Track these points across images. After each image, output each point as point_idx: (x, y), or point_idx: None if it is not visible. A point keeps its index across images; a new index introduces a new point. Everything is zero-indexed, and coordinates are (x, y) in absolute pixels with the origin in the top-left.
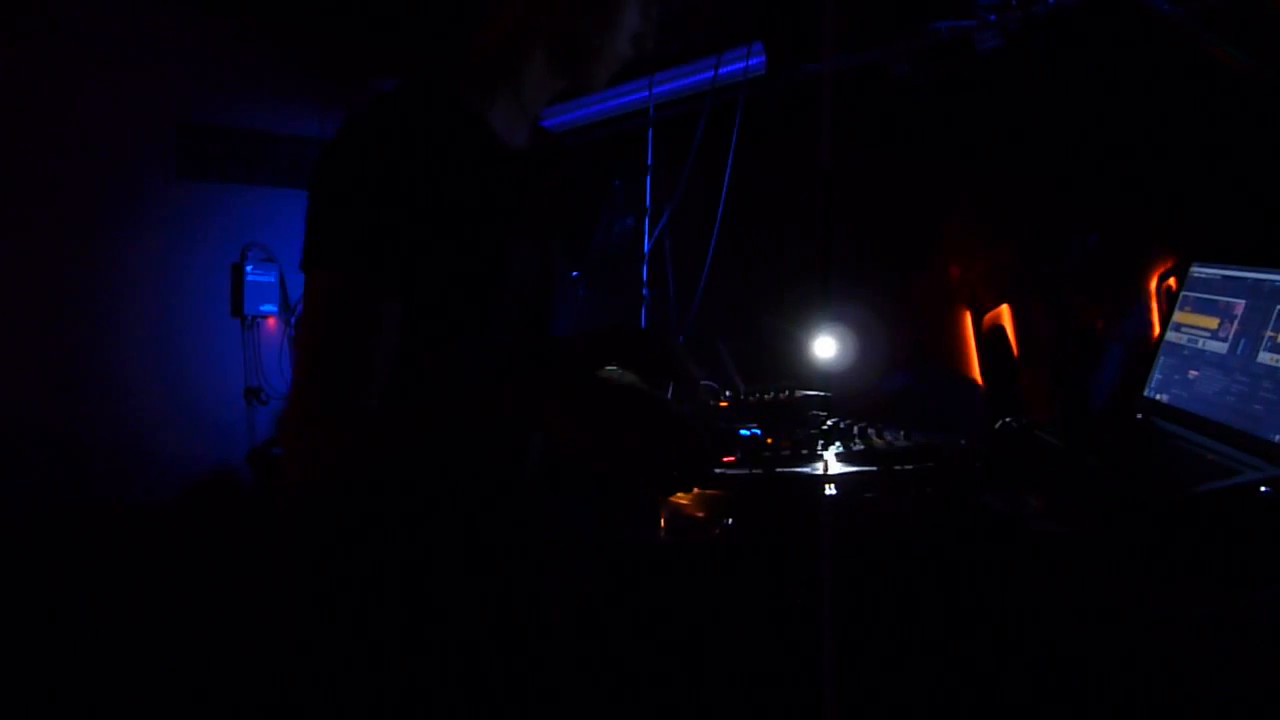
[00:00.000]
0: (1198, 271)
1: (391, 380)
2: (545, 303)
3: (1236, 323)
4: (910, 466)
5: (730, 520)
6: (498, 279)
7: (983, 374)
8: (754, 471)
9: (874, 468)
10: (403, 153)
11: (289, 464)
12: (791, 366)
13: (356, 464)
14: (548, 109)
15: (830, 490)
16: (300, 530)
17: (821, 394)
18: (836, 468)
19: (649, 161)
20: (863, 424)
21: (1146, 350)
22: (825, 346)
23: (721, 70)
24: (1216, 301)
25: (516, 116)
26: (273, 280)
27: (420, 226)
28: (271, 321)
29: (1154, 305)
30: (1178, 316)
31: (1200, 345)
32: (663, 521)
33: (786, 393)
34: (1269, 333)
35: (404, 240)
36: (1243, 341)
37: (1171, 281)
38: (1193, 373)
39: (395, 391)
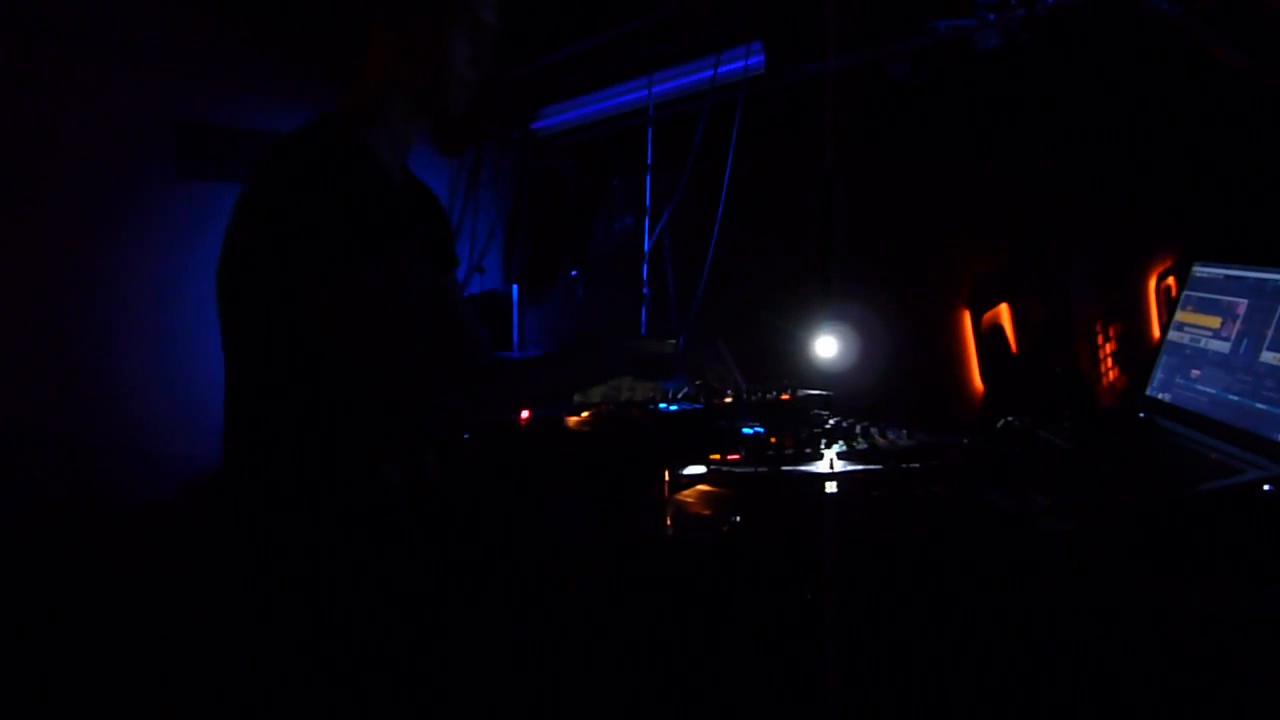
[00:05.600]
0: (1200, 271)
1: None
2: (441, 320)
3: (1239, 322)
4: (916, 465)
5: (737, 518)
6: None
7: (982, 374)
8: (759, 470)
9: (879, 466)
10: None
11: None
12: (792, 366)
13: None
14: (545, 108)
15: (832, 488)
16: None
17: (823, 393)
18: (841, 466)
19: (648, 161)
20: (865, 423)
21: (1148, 350)
22: (825, 346)
23: (721, 70)
24: (1219, 301)
25: (390, 154)
26: None
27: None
28: None
29: (1154, 305)
30: (1180, 316)
31: (1203, 345)
32: (669, 519)
33: (788, 392)
34: (1271, 332)
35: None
36: (1245, 341)
37: (1171, 281)
38: (1195, 372)
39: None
